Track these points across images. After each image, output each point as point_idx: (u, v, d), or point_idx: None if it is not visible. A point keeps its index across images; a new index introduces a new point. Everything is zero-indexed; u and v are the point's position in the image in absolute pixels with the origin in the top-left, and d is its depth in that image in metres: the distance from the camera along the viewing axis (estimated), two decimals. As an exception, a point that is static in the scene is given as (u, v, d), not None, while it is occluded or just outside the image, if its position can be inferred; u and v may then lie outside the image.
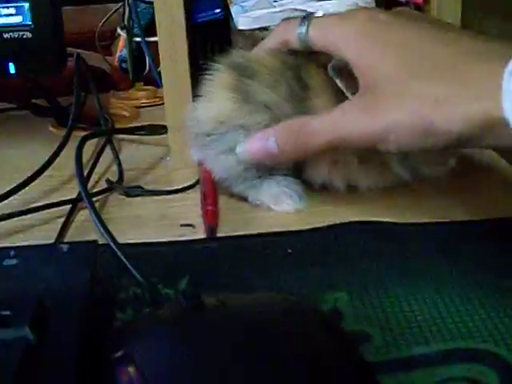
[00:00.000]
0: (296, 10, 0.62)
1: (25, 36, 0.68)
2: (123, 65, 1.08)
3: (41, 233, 0.55)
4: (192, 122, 0.57)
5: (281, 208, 0.56)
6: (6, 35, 0.68)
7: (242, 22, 0.66)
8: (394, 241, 0.50)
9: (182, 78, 0.62)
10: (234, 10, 0.68)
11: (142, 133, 0.70)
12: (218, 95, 0.55)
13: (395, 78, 0.46)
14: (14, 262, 0.40)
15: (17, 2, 0.68)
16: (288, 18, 0.56)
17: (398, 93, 0.46)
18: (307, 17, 0.53)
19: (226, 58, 0.57)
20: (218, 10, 0.67)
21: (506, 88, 0.40)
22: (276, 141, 0.52)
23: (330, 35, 0.51)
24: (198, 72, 0.59)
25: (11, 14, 0.68)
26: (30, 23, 0.68)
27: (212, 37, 0.70)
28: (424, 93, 0.45)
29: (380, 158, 0.55)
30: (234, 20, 0.68)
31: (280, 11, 0.63)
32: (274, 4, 0.66)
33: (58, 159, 0.64)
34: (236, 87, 0.54)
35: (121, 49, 1.09)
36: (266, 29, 0.64)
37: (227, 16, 0.69)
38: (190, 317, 0.35)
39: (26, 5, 0.68)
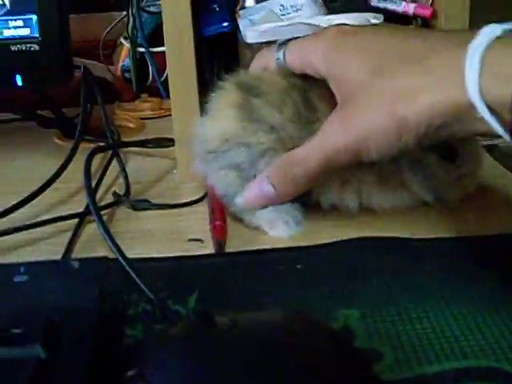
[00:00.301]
0: (303, 23, 0.62)
1: (32, 48, 0.68)
2: (126, 74, 1.09)
3: (48, 246, 0.55)
4: (197, 138, 0.57)
5: (275, 233, 0.55)
6: (13, 47, 0.69)
7: (250, 35, 0.66)
8: (405, 257, 0.50)
9: (190, 91, 0.62)
10: (241, 23, 0.68)
11: (150, 146, 0.69)
12: (224, 113, 0.55)
13: (362, 82, 0.47)
14: (24, 278, 0.40)
15: (24, 15, 0.68)
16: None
17: (365, 95, 0.47)
18: (284, 42, 0.55)
19: (235, 76, 0.57)
20: (225, 24, 0.67)
21: (467, 72, 0.40)
22: (270, 182, 0.53)
23: (303, 56, 0.53)
24: (204, 85, 0.59)
25: (19, 27, 0.69)
26: (38, 36, 0.69)
27: (219, 50, 0.70)
28: (388, 88, 0.45)
29: (399, 178, 0.56)
30: (242, 33, 0.68)
31: (288, 25, 0.63)
32: (282, 18, 0.66)
33: (64, 171, 0.64)
34: (242, 106, 0.54)
35: (123, 58, 1.09)
36: (273, 42, 0.64)
37: (235, 29, 0.69)
38: (202, 335, 0.34)
39: (34, 17, 0.68)
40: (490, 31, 0.41)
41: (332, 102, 0.51)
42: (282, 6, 0.66)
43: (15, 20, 0.69)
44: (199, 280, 0.48)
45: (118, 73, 1.09)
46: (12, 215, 0.57)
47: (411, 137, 0.45)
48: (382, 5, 0.67)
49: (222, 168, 0.56)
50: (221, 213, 0.56)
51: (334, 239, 0.53)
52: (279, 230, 0.55)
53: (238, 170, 0.55)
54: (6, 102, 0.85)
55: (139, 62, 1.04)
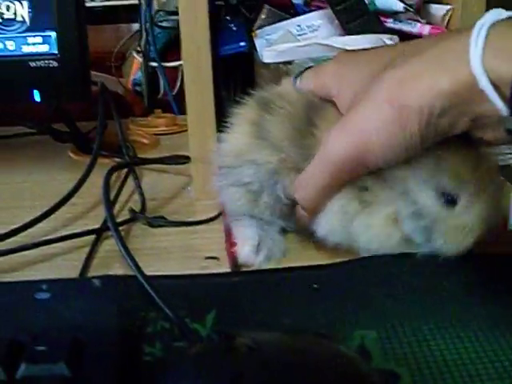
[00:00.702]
0: (320, 44, 0.63)
1: (51, 65, 0.69)
2: (137, 88, 1.09)
3: (66, 262, 0.55)
4: (214, 153, 0.58)
5: (242, 251, 0.54)
6: (32, 64, 0.69)
7: (267, 55, 0.66)
8: (421, 276, 0.50)
9: (207, 109, 0.63)
10: (258, 43, 0.69)
11: (167, 163, 0.70)
12: (241, 129, 0.56)
13: (363, 88, 0.47)
14: (46, 295, 0.40)
15: (44, 32, 0.69)
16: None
17: (365, 95, 0.46)
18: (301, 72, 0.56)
19: (258, 91, 0.57)
20: (242, 43, 0.68)
21: (472, 48, 0.40)
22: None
23: (317, 78, 0.54)
24: (220, 104, 0.59)
25: (38, 43, 0.69)
26: (57, 52, 0.69)
27: (236, 69, 0.70)
28: (387, 79, 0.45)
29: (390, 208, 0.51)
30: (259, 53, 0.69)
31: (304, 45, 0.64)
32: (299, 38, 0.67)
33: (81, 187, 0.65)
34: (256, 122, 0.55)
35: (135, 72, 1.10)
36: (290, 63, 0.65)
37: (251, 49, 0.70)
38: (223, 356, 0.35)
39: (53, 34, 0.69)
40: (497, 13, 0.42)
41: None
42: (298, 26, 0.67)
43: (34, 36, 0.70)
44: (216, 298, 0.48)
45: (129, 86, 1.10)
46: (29, 230, 0.58)
47: (415, 126, 0.44)
48: (397, 26, 0.68)
49: (232, 185, 0.56)
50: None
51: (351, 257, 0.53)
52: (245, 249, 0.55)
53: (247, 188, 0.55)
54: (19, 115, 0.86)
55: (150, 76, 1.05)
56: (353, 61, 0.52)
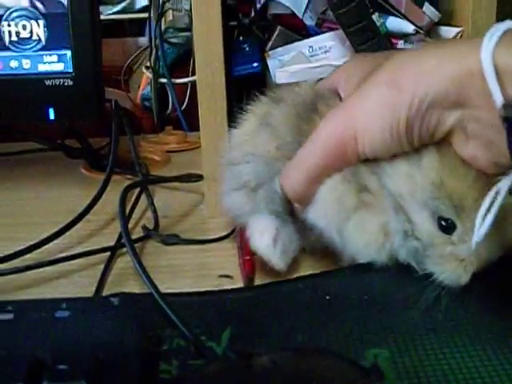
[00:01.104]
0: (332, 65, 0.64)
1: (66, 83, 0.70)
2: (145, 103, 1.11)
3: (81, 279, 0.56)
4: (222, 151, 0.58)
5: (260, 241, 0.53)
6: (47, 82, 0.70)
7: (279, 76, 0.67)
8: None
9: (220, 129, 0.63)
10: (271, 63, 0.70)
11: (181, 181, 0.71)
12: (246, 122, 0.56)
13: (367, 75, 0.47)
14: (66, 314, 0.41)
15: (59, 50, 0.70)
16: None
17: (368, 79, 0.46)
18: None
19: (271, 91, 0.58)
20: (255, 64, 0.69)
21: (485, 43, 0.40)
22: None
23: (328, 77, 0.57)
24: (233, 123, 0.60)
25: (53, 62, 0.70)
26: (72, 71, 0.70)
27: (248, 89, 0.71)
28: (391, 62, 0.45)
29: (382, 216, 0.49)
30: (271, 74, 0.70)
31: (316, 66, 0.65)
32: (311, 59, 0.68)
33: (96, 204, 0.66)
34: (264, 114, 0.55)
35: (143, 87, 1.11)
36: (302, 83, 0.66)
37: (264, 69, 0.70)
38: (241, 375, 0.35)
39: (68, 53, 0.70)
40: (510, 23, 0.41)
41: None
42: (310, 47, 0.68)
43: (50, 55, 0.71)
44: (231, 315, 0.49)
45: (138, 101, 1.11)
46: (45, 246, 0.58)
47: (404, 112, 0.43)
48: (407, 48, 0.69)
49: (234, 189, 0.56)
50: (249, 247, 0.57)
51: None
52: (264, 240, 0.53)
53: (246, 189, 0.55)
54: (31, 132, 0.87)
55: (158, 91, 1.06)
56: (361, 59, 0.55)
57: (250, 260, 0.56)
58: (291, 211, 0.54)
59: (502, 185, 0.42)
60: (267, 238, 0.53)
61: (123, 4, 1.49)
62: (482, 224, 0.42)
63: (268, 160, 0.54)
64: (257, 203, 0.55)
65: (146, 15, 1.13)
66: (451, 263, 0.46)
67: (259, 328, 0.47)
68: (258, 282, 0.54)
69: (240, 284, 0.54)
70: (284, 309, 0.49)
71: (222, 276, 0.55)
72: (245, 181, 0.55)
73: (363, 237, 0.50)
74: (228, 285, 0.54)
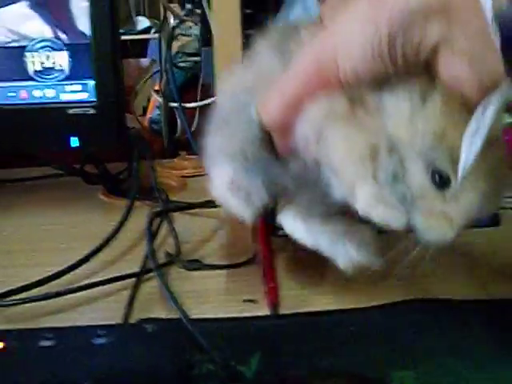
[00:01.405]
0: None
1: (89, 112, 0.72)
2: (153, 126, 1.12)
3: (108, 304, 0.57)
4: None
5: (214, 186, 0.52)
6: (70, 111, 0.72)
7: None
8: (457, 319, 0.52)
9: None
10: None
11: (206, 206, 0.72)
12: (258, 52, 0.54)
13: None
14: (103, 340, 0.42)
15: (83, 80, 0.72)
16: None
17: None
18: None
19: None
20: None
21: None
22: None
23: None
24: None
25: (77, 91, 0.72)
26: (95, 100, 0.72)
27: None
28: None
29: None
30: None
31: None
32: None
33: (120, 230, 0.67)
34: (277, 44, 0.52)
35: (151, 111, 1.13)
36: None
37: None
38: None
39: (92, 82, 0.72)
40: None
41: None
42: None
43: (73, 85, 0.72)
44: (258, 341, 0.50)
45: (146, 124, 1.12)
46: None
47: (385, 28, 0.41)
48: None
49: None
50: (271, 273, 0.59)
51: (386, 301, 0.55)
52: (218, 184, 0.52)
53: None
54: (50, 157, 0.88)
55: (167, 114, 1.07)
56: None
57: (274, 287, 0.57)
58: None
59: (491, 99, 0.39)
60: (224, 181, 0.52)
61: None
62: (470, 149, 0.39)
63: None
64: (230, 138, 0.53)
65: (149, 36, 1.14)
66: (439, 220, 0.43)
67: (287, 354, 0.48)
68: (282, 307, 0.55)
69: (265, 308, 0.55)
70: (310, 338, 0.50)
71: (246, 301, 0.57)
72: (234, 151, 0.52)
73: (345, 145, 0.44)
74: (253, 309, 0.55)
